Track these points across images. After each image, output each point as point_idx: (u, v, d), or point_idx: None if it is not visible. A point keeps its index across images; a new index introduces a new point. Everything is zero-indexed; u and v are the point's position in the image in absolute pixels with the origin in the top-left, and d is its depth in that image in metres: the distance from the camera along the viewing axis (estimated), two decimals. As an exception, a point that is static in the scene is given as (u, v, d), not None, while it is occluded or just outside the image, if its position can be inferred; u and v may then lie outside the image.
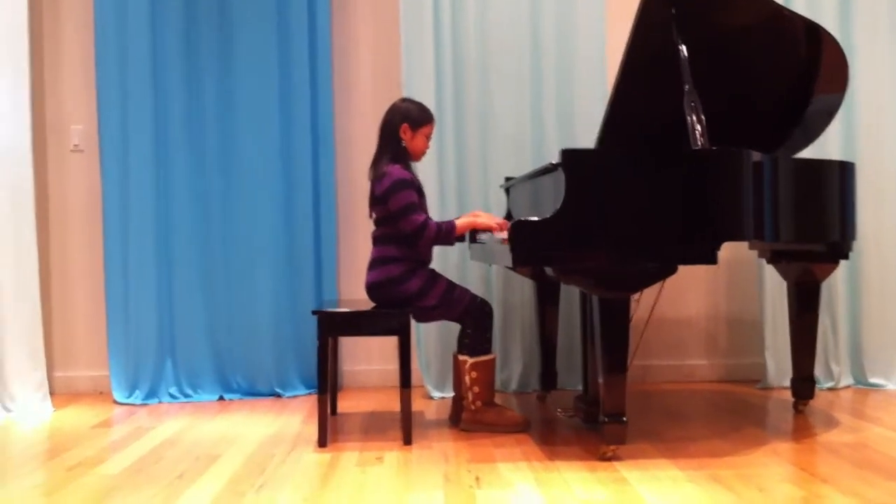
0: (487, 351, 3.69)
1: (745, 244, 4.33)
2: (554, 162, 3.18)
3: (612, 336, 3.14)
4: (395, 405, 4.12)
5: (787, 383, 4.22)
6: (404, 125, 3.72)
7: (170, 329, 4.65)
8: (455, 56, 4.63)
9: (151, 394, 4.57)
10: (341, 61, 4.84)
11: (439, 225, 3.63)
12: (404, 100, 3.86)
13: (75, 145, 4.79)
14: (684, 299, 4.88)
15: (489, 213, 4.50)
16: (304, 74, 4.64)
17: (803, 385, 4.01)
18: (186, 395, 4.60)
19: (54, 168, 4.80)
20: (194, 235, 4.64)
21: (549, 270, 3.18)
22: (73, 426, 3.99)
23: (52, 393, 4.57)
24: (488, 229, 3.73)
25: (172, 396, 4.58)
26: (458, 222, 3.68)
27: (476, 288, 4.45)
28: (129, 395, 4.55)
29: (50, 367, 4.68)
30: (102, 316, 4.68)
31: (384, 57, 4.84)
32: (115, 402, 4.52)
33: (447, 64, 4.61)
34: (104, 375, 4.70)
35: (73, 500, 2.81)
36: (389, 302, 3.66)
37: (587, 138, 4.45)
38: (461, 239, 3.85)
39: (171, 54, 4.60)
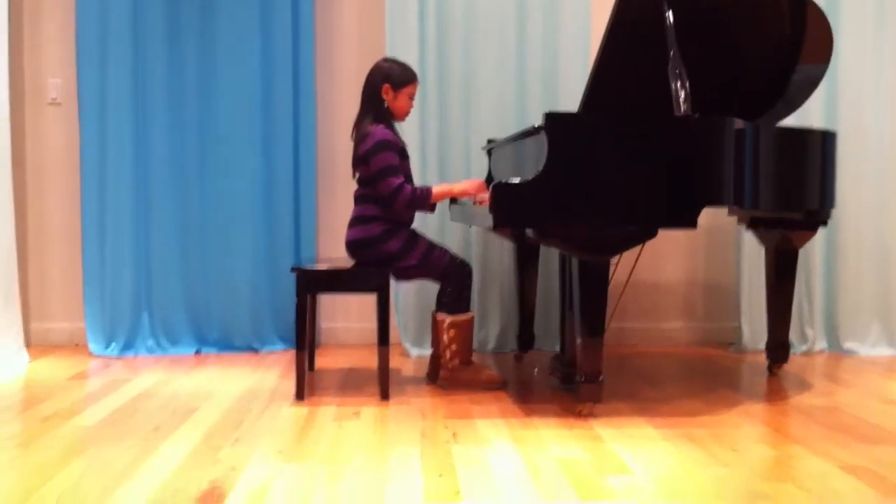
0: (466, 310, 3.70)
1: (724, 210, 4.35)
2: (537, 125, 3.18)
3: (590, 298, 3.15)
4: (372, 362, 4.14)
5: (762, 347, 4.28)
6: (386, 85, 3.69)
7: (147, 282, 4.63)
8: (439, 16, 4.58)
9: (128, 346, 4.55)
10: (324, 20, 4.78)
11: (414, 190, 3.61)
12: (387, 59, 3.81)
13: (53, 98, 4.73)
14: (663, 263, 4.91)
15: (469, 177, 4.52)
16: (287, 32, 4.59)
17: (778, 349, 4.06)
18: (163, 349, 4.59)
19: (31, 121, 4.74)
20: (173, 190, 4.60)
21: (529, 232, 3.19)
22: (49, 378, 3.98)
23: (27, 344, 4.55)
24: (466, 195, 3.72)
25: (149, 349, 4.57)
26: (435, 189, 3.66)
27: (456, 249, 4.47)
28: (106, 348, 4.54)
29: (26, 319, 4.65)
30: (79, 268, 4.65)
31: (367, 16, 4.78)
32: (91, 355, 4.51)
33: (431, 24, 4.57)
34: (80, 328, 4.69)
35: (49, 451, 2.81)
36: (369, 260, 3.66)
37: (571, 101, 4.44)
38: (432, 209, 3.83)
39: (153, 9, 4.53)
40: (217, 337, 4.64)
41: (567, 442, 2.91)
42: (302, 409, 3.36)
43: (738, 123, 3.27)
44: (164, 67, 4.56)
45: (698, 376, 4.06)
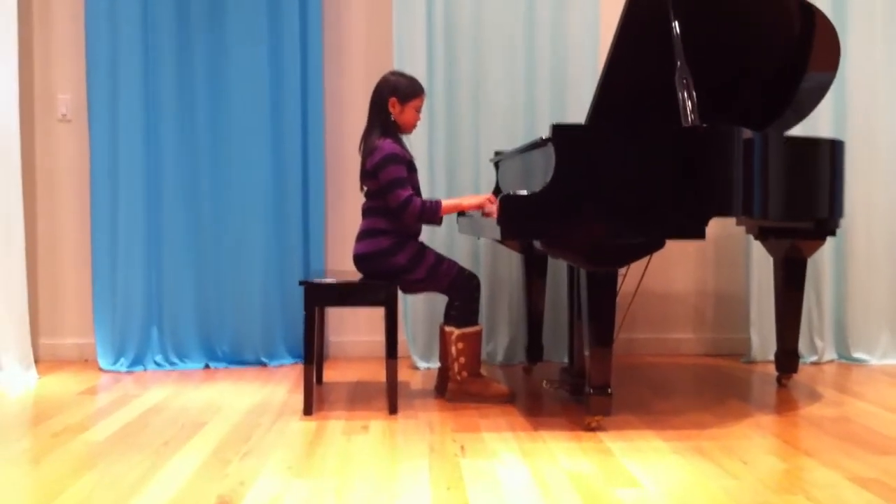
0: (474, 322, 3.70)
1: (733, 220, 4.34)
2: (544, 137, 3.18)
3: (599, 309, 3.15)
4: (380, 375, 4.14)
5: (772, 358, 4.26)
6: (392, 99, 3.69)
7: (156, 297, 4.64)
8: (447, 24, 4.60)
9: (137, 361, 4.56)
10: (332, 31, 4.80)
11: (424, 203, 3.61)
12: (394, 72, 3.82)
13: (63, 115, 4.74)
14: (672, 273, 4.90)
15: (477, 190, 4.53)
16: (295, 46, 4.60)
17: (787, 359, 4.05)
18: (172, 364, 4.60)
19: (41, 137, 4.76)
20: (182, 205, 4.62)
21: (537, 244, 3.19)
22: (59, 393, 3.99)
23: (37, 360, 4.56)
24: (475, 209, 3.72)
25: (158, 364, 4.58)
26: (445, 203, 3.67)
27: (464, 261, 4.47)
28: (115, 363, 4.54)
29: (35, 335, 4.66)
30: (88, 284, 4.67)
31: (375, 27, 4.80)
32: (101, 370, 4.52)
33: (439, 33, 4.58)
34: (90, 343, 4.70)
35: (59, 466, 2.82)
36: (377, 274, 3.66)
37: (580, 110, 4.44)
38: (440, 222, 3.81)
39: (161, 22, 4.56)
40: (226, 351, 4.65)
41: (576, 455, 2.90)
42: (311, 424, 3.36)
43: (747, 133, 3.27)
44: (173, 83, 4.58)
45: (708, 387, 4.05)
